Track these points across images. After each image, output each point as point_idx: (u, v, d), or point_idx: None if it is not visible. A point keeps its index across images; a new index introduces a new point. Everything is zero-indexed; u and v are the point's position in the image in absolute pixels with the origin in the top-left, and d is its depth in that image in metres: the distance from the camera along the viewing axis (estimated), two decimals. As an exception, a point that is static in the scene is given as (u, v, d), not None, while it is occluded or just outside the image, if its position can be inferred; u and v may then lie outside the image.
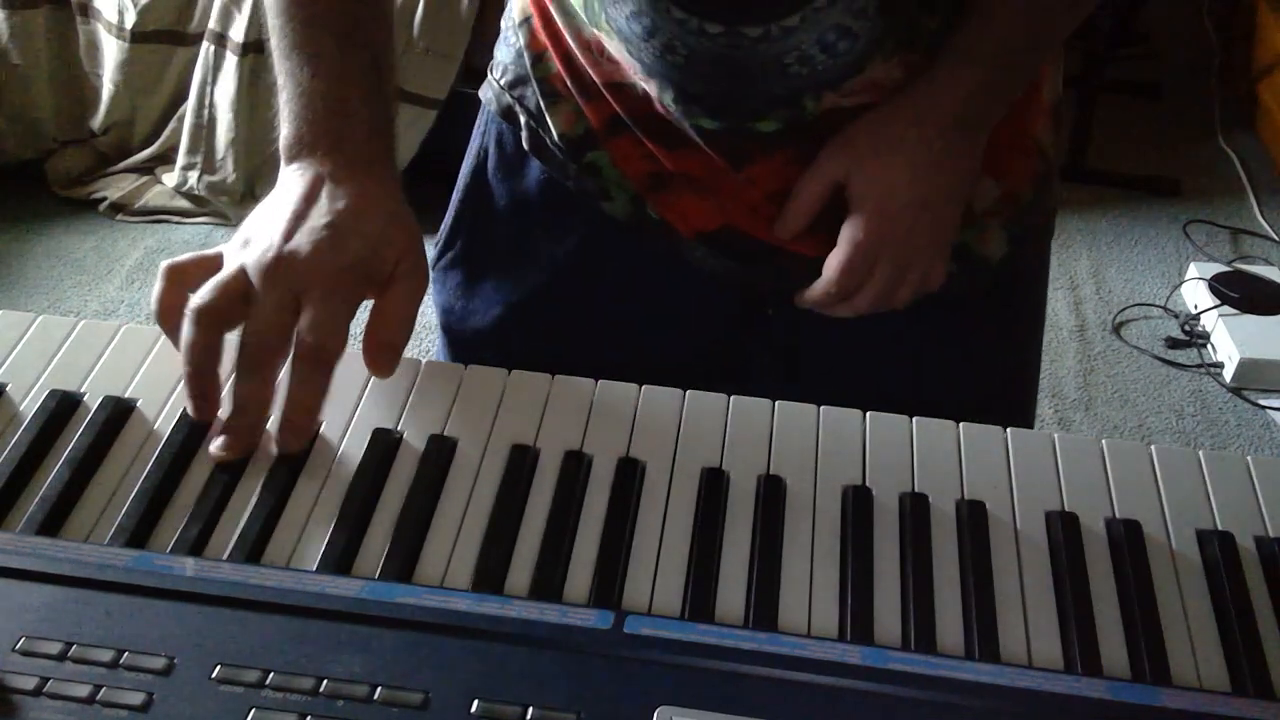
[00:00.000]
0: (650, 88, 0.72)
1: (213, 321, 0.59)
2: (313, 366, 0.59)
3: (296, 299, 0.60)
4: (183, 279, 0.62)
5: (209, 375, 0.59)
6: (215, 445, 0.58)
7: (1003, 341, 0.84)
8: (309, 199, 0.64)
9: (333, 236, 0.62)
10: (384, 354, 0.63)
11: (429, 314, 0.80)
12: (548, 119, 0.79)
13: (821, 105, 0.71)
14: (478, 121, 0.85)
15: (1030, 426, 0.88)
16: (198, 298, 0.60)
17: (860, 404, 0.63)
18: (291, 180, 0.65)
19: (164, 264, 0.62)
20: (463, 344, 0.85)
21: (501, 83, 0.81)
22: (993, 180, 0.76)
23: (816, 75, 0.68)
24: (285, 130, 0.68)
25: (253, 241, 0.62)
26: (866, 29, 0.66)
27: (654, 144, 0.75)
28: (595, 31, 0.73)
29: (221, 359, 0.60)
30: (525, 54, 0.79)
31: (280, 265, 0.60)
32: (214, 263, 0.62)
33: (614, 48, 0.72)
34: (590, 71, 0.75)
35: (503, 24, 0.82)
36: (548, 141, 0.79)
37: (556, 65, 0.78)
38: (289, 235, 0.62)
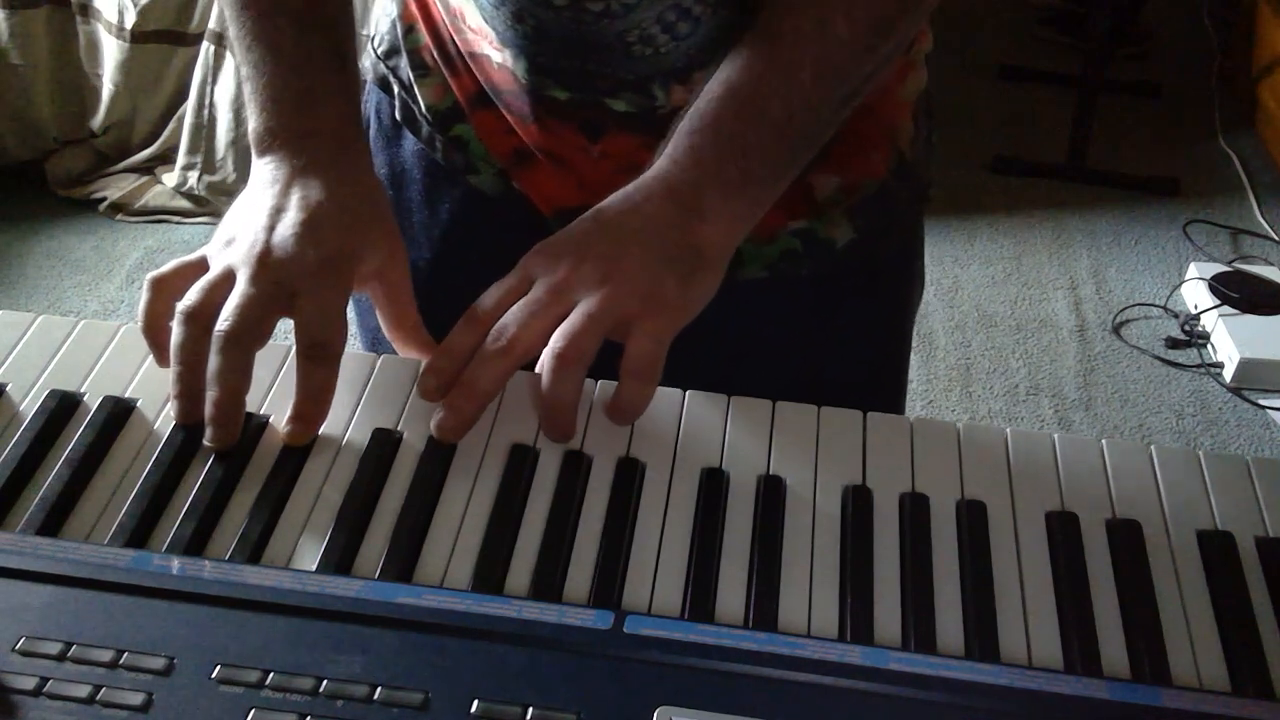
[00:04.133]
0: (505, 58, 0.72)
1: (203, 321, 0.59)
2: (317, 361, 0.60)
3: (286, 294, 0.60)
4: (169, 290, 0.62)
5: (199, 374, 0.59)
6: (205, 436, 0.59)
7: (862, 325, 0.84)
8: (285, 193, 0.64)
9: (313, 229, 0.62)
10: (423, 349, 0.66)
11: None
12: (416, 91, 0.79)
13: (671, 99, 0.71)
14: (364, 93, 0.85)
15: (901, 411, 0.89)
16: (187, 299, 0.60)
17: (724, 385, 0.64)
18: (266, 175, 0.66)
19: (148, 276, 0.62)
20: (356, 308, 0.85)
21: (379, 52, 0.82)
22: (831, 174, 0.77)
23: (660, 60, 0.68)
24: (253, 123, 0.68)
25: (236, 240, 0.63)
26: (706, 13, 0.66)
27: (513, 117, 0.76)
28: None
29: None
30: (398, 24, 0.80)
31: (266, 261, 0.61)
32: (198, 267, 0.63)
33: (472, 15, 0.72)
34: (455, 40, 0.76)
35: None
36: (417, 113, 0.80)
37: (425, 37, 0.79)
38: (270, 229, 0.62)
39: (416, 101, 0.80)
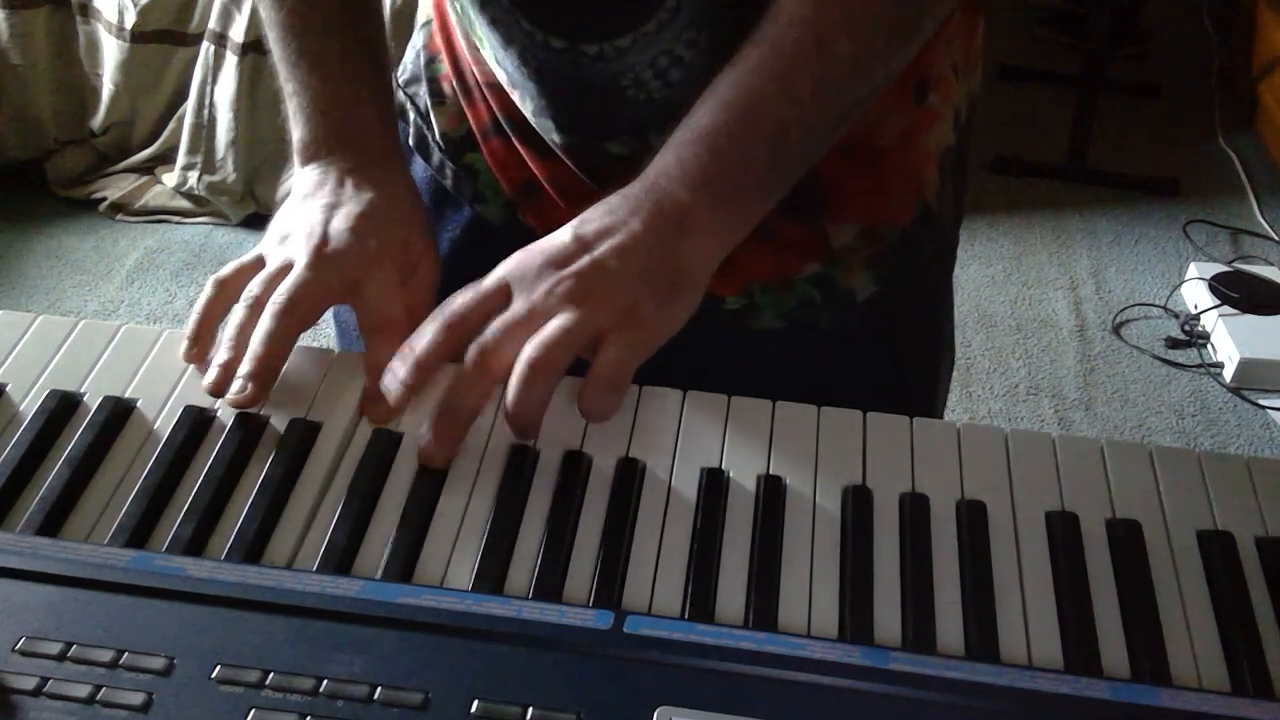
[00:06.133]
0: (515, 97, 0.73)
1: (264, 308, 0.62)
2: (386, 336, 0.62)
3: (347, 284, 0.63)
4: (230, 290, 0.64)
5: (279, 367, 0.61)
6: (232, 390, 0.60)
7: (886, 374, 0.82)
8: (338, 191, 0.67)
9: (371, 223, 0.65)
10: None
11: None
12: (432, 118, 0.81)
13: None
14: None
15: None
16: (251, 289, 0.63)
17: None
18: (314, 177, 0.69)
19: (212, 278, 0.65)
20: (349, 332, 0.85)
21: (400, 80, 0.84)
22: (849, 223, 0.75)
23: (655, 104, 0.68)
24: (298, 133, 0.71)
25: (292, 235, 0.65)
26: (699, 60, 0.66)
27: (526, 149, 0.76)
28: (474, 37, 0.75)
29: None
30: (421, 55, 0.82)
31: (324, 251, 0.64)
32: (256, 266, 0.65)
33: (488, 54, 0.74)
34: (475, 71, 0.77)
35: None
36: (430, 140, 0.81)
37: (446, 67, 0.80)
38: (327, 223, 0.65)
39: (431, 128, 0.81)
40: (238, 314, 0.62)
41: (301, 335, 0.63)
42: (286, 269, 0.63)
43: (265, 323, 0.61)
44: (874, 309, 0.77)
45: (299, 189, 0.69)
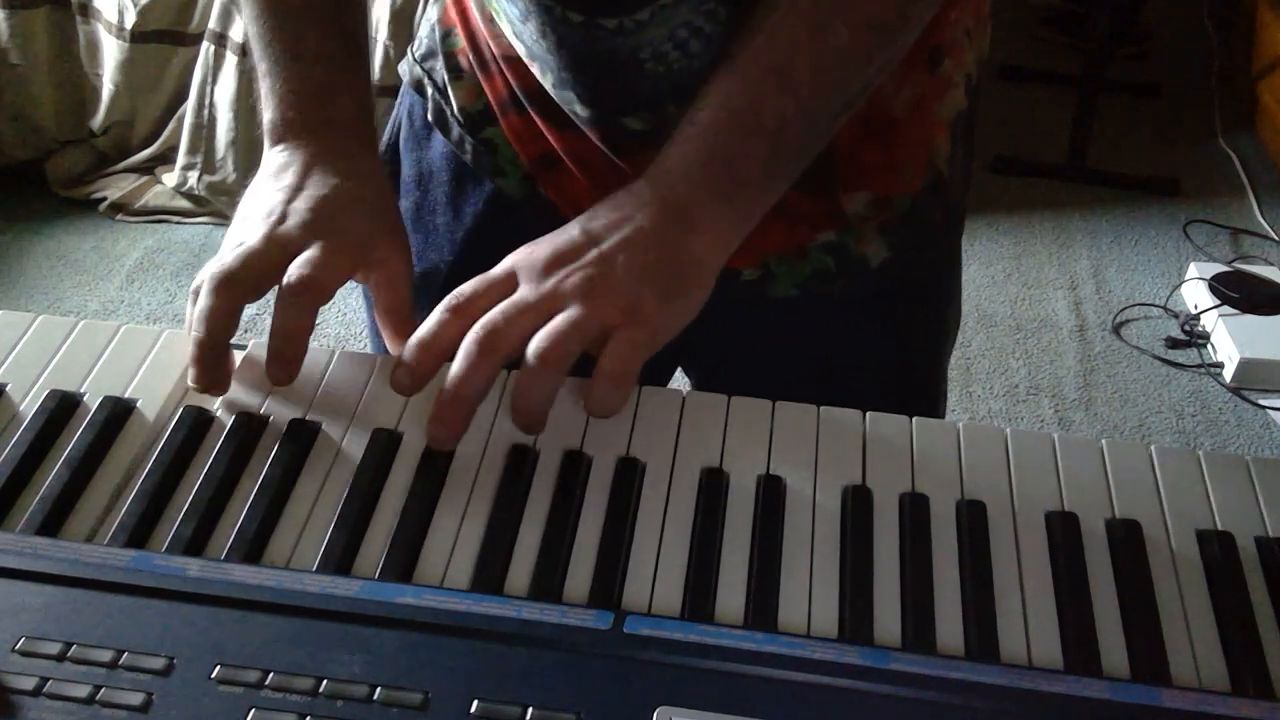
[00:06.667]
0: (534, 70, 0.73)
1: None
2: (296, 295, 0.60)
3: (290, 255, 0.61)
4: None
5: (220, 344, 0.60)
6: (189, 378, 0.60)
7: (896, 345, 0.83)
8: (303, 176, 0.66)
9: (331, 209, 0.64)
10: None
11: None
12: (450, 93, 0.80)
13: None
14: (398, 96, 0.87)
15: None
16: (197, 279, 0.61)
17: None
18: (280, 160, 0.67)
19: (190, 291, 0.64)
20: (367, 307, 0.85)
21: (416, 55, 0.83)
22: (861, 192, 0.76)
23: (674, 77, 0.68)
24: (269, 114, 0.69)
25: (250, 217, 0.64)
26: (718, 32, 0.66)
27: (544, 122, 0.76)
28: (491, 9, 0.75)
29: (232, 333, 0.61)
30: (437, 28, 0.82)
31: (278, 228, 0.62)
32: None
33: (506, 26, 0.73)
34: (491, 45, 0.77)
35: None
36: (449, 114, 0.81)
37: (462, 41, 0.80)
38: (287, 203, 0.64)
39: (449, 103, 0.81)
40: (188, 307, 0.61)
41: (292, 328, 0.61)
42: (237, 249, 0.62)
43: (201, 300, 0.60)
44: (886, 275, 0.78)
45: (264, 170, 0.67)
